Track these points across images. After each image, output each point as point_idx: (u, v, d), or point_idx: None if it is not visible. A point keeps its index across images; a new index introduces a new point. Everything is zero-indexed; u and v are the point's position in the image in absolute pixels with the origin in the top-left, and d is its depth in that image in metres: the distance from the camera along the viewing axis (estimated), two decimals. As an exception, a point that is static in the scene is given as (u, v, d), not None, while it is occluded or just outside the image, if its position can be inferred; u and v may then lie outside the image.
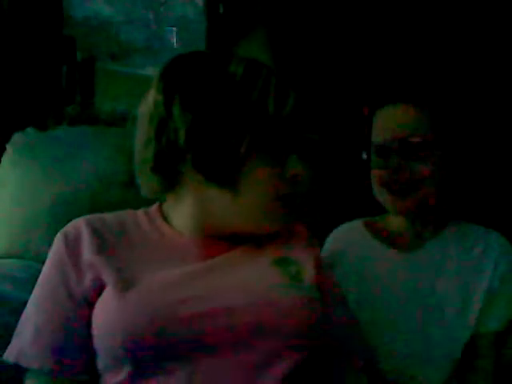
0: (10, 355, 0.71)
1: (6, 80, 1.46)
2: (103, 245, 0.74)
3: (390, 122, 1.00)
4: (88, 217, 0.78)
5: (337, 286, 0.85)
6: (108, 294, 0.69)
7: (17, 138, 1.14)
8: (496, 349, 0.95)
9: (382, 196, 1.01)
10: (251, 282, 0.73)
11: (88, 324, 0.70)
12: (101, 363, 0.69)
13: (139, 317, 0.66)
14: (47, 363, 0.69)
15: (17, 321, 0.73)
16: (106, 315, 0.68)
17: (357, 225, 1.10)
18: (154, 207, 0.82)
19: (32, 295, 0.74)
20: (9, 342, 0.72)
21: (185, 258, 0.75)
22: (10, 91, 1.46)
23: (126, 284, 0.69)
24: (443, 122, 1.00)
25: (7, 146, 1.13)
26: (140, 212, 0.82)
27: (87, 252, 0.73)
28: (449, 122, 1.02)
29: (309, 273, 0.78)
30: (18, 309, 0.73)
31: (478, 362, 0.94)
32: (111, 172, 1.08)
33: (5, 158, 1.12)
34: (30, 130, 1.16)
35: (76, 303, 0.71)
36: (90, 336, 0.70)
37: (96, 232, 0.75)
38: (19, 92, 1.48)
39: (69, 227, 0.77)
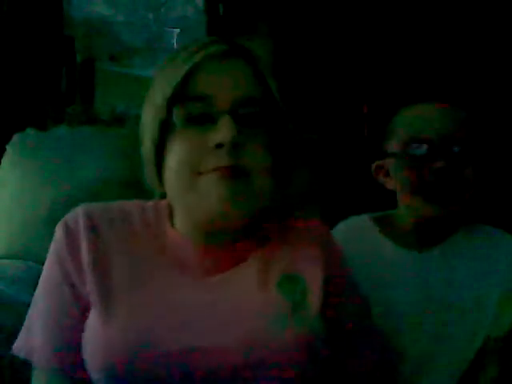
0: (19, 350, 0.70)
1: (6, 81, 1.46)
2: (99, 247, 0.70)
3: (429, 121, 0.92)
4: (89, 207, 0.73)
5: (351, 289, 0.77)
6: (92, 318, 0.67)
7: (17, 138, 1.14)
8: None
9: (413, 203, 0.92)
10: (248, 314, 0.66)
11: None
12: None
13: (118, 350, 0.63)
14: (58, 363, 0.67)
15: (16, 321, 0.73)
16: (89, 338, 0.66)
17: (364, 220, 1.02)
18: (164, 203, 0.75)
19: (38, 288, 0.72)
20: (9, 342, 0.72)
21: (183, 271, 0.70)
22: (9, 92, 1.46)
23: (108, 311, 0.65)
24: (478, 121, 0.95)
25: (7, 147, 1.13)
26: (149, 206, 0.76)
27: (84, 251, 0.69)
28: (483, 123, 0.97)
29: (315, 294, 0.70)
30: (18, 309, 0.73)
31: (485, 367, 0.93)
32: (111, 172, 1.08)
33: (5, 158, 1.12)
34: (29, 130, 1.16)
35: (80, 301, 0.68)
36: None
37: (94, 229, 0.71)
38: (19, 93, 1.48)
39: (69, 217, 0.72)
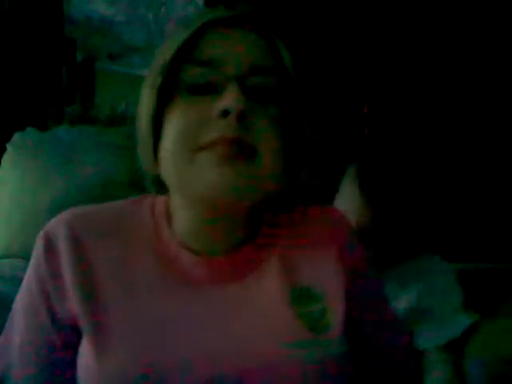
0: None
1: (7, 80, 1.46)
2: (83, 263, 0.60)
3: None
4: (72, 215, 0.64)
5: (373, 297, 0.68)
6: (85, 348, 0.58)
7: (17, 138, 1.14)
8: None
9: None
10: (258, 338, 0.58)
11: (75, 351, 0.60)
12: None
13: (116, 378, 0.55)
14: (31, 382, 0.60)
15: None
16: (84, 367, 0.59)
17: None
18: (162, 202, 0.66)
19: (16, 301, 0.65)
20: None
21: (183, 286, 0.61)
22: (10, 91, 1.46)
23: (102, 345, 0.57)
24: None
25: (7, 146, 1.13)
26: (146, 204, 0.66)
27: (66, 269, 0.60)
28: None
29: (336, 309, 0.61)
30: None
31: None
32: (111, 172, 1.08)
33: (5, 157, 1.12)
34: (30, 130, 1.16)
35: (59, 327, 0.60)
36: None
37: (77, 243, 0.61)
38: (19, 92, 1.48)
39: (50, 228, 0.63)
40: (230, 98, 0.55)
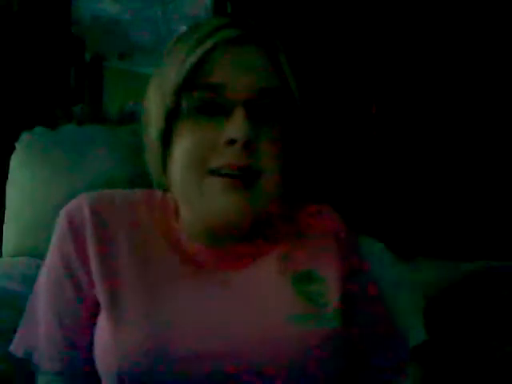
0: (18, 348, 0.67)
1: (15, 80, 1.46)
2: (105, 240, 0.65)
3: None
4: (93, 196, 0.68)
5: (370, 279, 0.73)
6: (102, 321, 0.63)
7: (25, 137, 1.15)
8: None
9: None
10: (267, 314, 0.63)
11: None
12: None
13: (132, 355, 0.59)
14: (61, 365, 0.65)
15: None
16: (101, 342, 0.63)
17: None
18: (170, 197, 0.70)
19: (38, 282, 0.68)
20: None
21: (196, 270, 0.66)
22: (18, 91, 1.47)
23: (119, 316, 0.62)
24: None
25: (16, 145, 1.13)
26: (157, 197, 0.71)
27: (90, 243, 0.65)
28: None
29: (334, 291, 0.66)
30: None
31: None
32: (120, 170, 1.08)
33: (14, 157, 1.12)
34: (38, 129, 1.16)
35: (84, 299, 0.65)
36: None
37: (100, 219, 0.66)
38: (28, 91, 1.48)
39: (73, 206, 0.67)
40: (236, 127, 0.59)
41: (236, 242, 0.67)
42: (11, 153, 1.13)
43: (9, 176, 1.11)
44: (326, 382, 0.64)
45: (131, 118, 1.48)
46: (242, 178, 0.60)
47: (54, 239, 0.67)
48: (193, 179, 0.61)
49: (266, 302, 0.64)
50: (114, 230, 0.66)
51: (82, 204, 0.67)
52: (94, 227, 0.65)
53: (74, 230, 0.66)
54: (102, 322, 0.64)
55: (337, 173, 1.33)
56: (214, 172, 0.61)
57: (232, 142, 0.60)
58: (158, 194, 0.71)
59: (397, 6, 1.61)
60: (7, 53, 1.46)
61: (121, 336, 0.61)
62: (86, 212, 0.66)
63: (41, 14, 1.52)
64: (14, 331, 0.72)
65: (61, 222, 0.67)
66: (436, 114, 1.56)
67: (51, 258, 0.68)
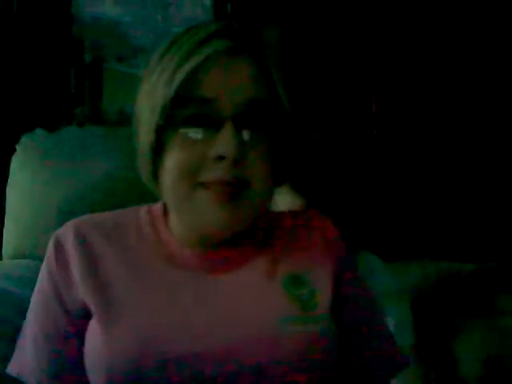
0: (12, 369, 0.68)
1: (15, 82, 1.46)
2: (90, 259, 0.67)
3: None
4: (79, 221, 0.71)
5: (360, 289, 0.75)
6: (93, 327, 0.64)
7: (26, 139, 1.15)
8: None
9: None
10: (257, 316, 0.64)
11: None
12: None
13: (124, 357, 0.60)
14: (46, 381, 0.65)
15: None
16: (92, 349, 0.64)
17: None
18: (158, 206, 0.74)
19: (31, 303, 0.70)
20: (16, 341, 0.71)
21: (184, 274, 0.67)
22: (18, 93, 1.47)
23: (110, 319, 0.63)
24: None
25: (16, 147, 1.13)
26: (143, 211, 0.74)
27: (74, 265, 0.67)
28: None
29: (324, 293, 0.68)
30: (26, 310, 0.73)
31: None
32: (120, 172, 1.08)
33: (14, 159, 1.12)
34: (38, 131, 1.16)
35: (71, 317, 0.66)
36: None
37: (84, 242, 0.68)
38: (28, 93, 1.48)
39: (60, 232, 0.70)
40: (225, 144, 0.60)
41: (226, 246, 0.69)
42: (11, 155, 1.13)
43: (9, 178, 1.11)
44: (319, 382, 0.64)
45: (131, 119, 1.47)
46: (231, 190, 0.62)
47: (44, 261, 0.70)
48: (183, 191, 0.63)
49: (256, 305, 0.65)
50: (101, 250, 0.68)
51: (68, 229, 0.70)
52: (79, 250, 0.68)
53: (60, 254, 0.68)
54: (92, 333, 0.65)
55: (335, 172, 1.32)
56: (203, 185, 0.62)
57: (221, 158, 0.61)
58: (143, 210, 0.74)
59: (397, 5, 1.61)
60: (7, 55, 1.46)
61: (114, 343, 0.62)
62: (71, 236, 0.69)
63: (41, 16, 1.53)
64: (14, 333, 0.73)
65: (49, 247, 0.70)
66: (436, 113, 1.56)
67: (40, 278, 0.70)
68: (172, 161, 0.63)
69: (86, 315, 0.66)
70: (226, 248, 0.69)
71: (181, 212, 0.66)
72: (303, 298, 0.66)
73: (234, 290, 0.66)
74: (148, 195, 0.78)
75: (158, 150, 0.65)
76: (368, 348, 0.73)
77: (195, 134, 0.62)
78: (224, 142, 0.61)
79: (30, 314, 0.70)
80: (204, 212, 0.62)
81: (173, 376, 0.60)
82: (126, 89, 1.59)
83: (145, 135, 0.65)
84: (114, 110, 1.56)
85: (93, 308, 0.65)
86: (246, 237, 0.69)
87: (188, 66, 0.61)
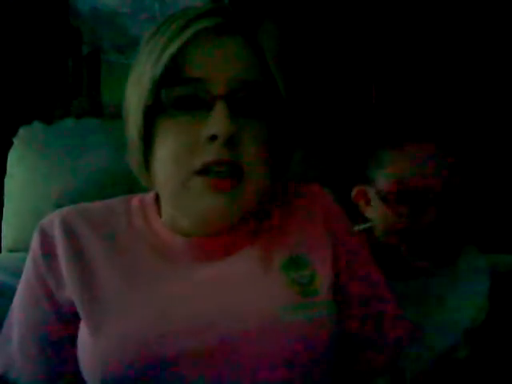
0: None
1: (12, 73, 1.46)
2: (76, 248, 0.64)
3: (420, 167, 0.84)
4: (65, 211, 0.68)
5: (361, 258, 0.72)
6: (82, 329, 0.62)
7: (23, 131, 1.14)
8: None
9: (393, 247, 0.86)
10: (252, 305, 0.60)
11: (75, 333, 0.63)
12: None
13: (115, 358, 0.57)
14: (34, 376, 0.63)
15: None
16: (83, 351, 0.61)
17: None
18: (151, 196, 0.71)
19: (16, 294, 0.68)
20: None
21: (175, 264, 0.64)
22: (15, 85, 1.46)
23: (97, 320, 0.60)
24: (466, 167, 0.88)
25: (14, 140, 1.13)
26: (135, 200, 0.71)
27: (60, 254, 0.64)
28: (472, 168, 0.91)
29: (324, 275, 0.64)
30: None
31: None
32: (118, 164, 1.07)
33: (12, 151, 1.12)
34: (36, 123, 1.16)
35: (60, 312, 0.64)
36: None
37: (70, 231, 0.65)
38: (25, 85, 1.47)
39: (45, 222, 0.67)
40: (218, 122, 0.57)
41: (218, 231, 0.66)
42: (9, 147, 1.13)
43: (7, 171, 1.11)
44: (323, 371, 0.62)
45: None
46: (227, 176, 0.59)
47: (29, 255, 0.67)
48: (178, 180, 0.60)
49: (253, 293, 0.62)
50: (87, 240, 0.65)
51: (53, 220, 0.67)
52: (65, 240, 0.65)
53: (45, 243, 0.65)
54: (81, 330, 0.62)
55: (337, 154, 1.31)
56: (199, 172, 0.59)
57: (214, 137, 0.58)
58: (137, 197, 0.71)
59: (397, 4, 1.60)
60: (4, 45, 1.45)
61: (99, 337, 0.59)
62: (56, 226, 0.66)
63: (38, 7, 1.51)
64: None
65: (34, 238, 0.67)
66: (436, 108, 1.56)
67: (26, 273, 0.68)
68: (164, 149, 0.60)
69: (72, 304, 0.63)
70: (219, 235, 0.66)
71: (176, 200, 0.62)
72: (303, 282, 0.63)
73: (229, 279, 0.63)
74: (146, 187, 0.77)
75: (147, 140, 0.62)
76: (374, 316, 0.71)
77: (186, 116, 0.59)
78: (216, 121, 0.57)
79: (15, 311, 0.67)
80: (200, 200, 0.60)
81: (166, 372, 0.57)
82: (124, 80, 1.58)
83: (133, 122, 0.62)
84: (113, 102, 1.56)
85: (79, 307, 0.62)
86: (239, 222, 0.66)
87: (176, 43, 0.58)
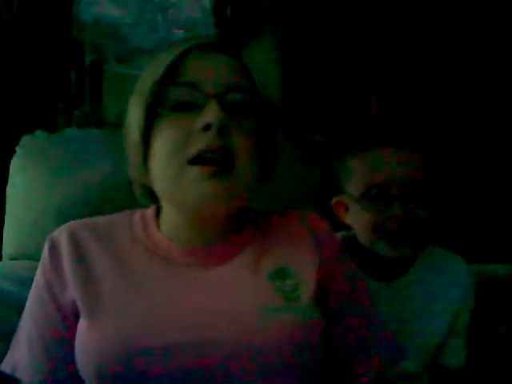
0: (6, 366, 0.71)
1: (15, 83, 1.47)
2: (83, 261, 0.71)
3: (385, 166, 0.91)
4: (74, 224, 0.75)
5: (349, 281, 0.77)
6: (81, 323, 0.67)
7: (26, 140, 1.15)
8: None
9: (374, 244, 0.92)
10: (240, 306, 0.66)
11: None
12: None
13: (109, 350, 0.63)
14: (39, 376, 0.68)
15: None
16: (80, 344, 0.66)
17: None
18: (151, 210, 0.77)
19: (27, 303, 0.73)
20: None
21: (172, 271, 0.70)
22: (19, 94, 1.47)
23: (95, 313, 0.66)
24: (434, 163, 0.95)
25: (16, 149, 1.13)
26: (138, 214, 0.77)
27: (67, 266, 0.70)
28: (439, 164, 0.99)
29: (308, 285, 0.70)
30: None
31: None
32: (120, 174, 1.07)
33: (14, 160, 1.13)
34: (39, 132, 1.17)
35: (63, 315, 0.69)
36: None
37: (77, 245, 0.72)
38: (28, 95, 1.49)
39: (54, 234, 0.74)
40: (210, 114, 0.64)
41: (214, 242, 0.72)
42: (11, 156, 1.13)
43: (9, 179, 1.12)
44: (307, 372, 0.66)
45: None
46: (219, 163, 0.64)
47: (40, 262, 0.73)
48: (173, 170, 0.65)
49: (240, 296, 0.67)
50: (93, 252, 0.71)
51: (61, 232, 0.74)
52: (71, 251, 0.71)
53: (54, 256, 0.71)
54: (80, 329, 0.67)
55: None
56: (192, 161, 0.64)
57: (207, 127, 0.64)
58: (138, 212, 0.77)
59: (397, 5, 1.61)
60: (7, 56, 1.46)
61: (98, 334, 0.64)
62: (64, 238, 0.72)
63: (41, 18, 1.53)
64: (13, 333, 0.73)
65: (44, 249, 0.73)
66: (437, 116, 1.57)
67: (36, 281, 0.73)
68: (160, 142, 0.66)
69: (74, 303, 0.69)
70: (215, 244, 0.71)
71: (171, 192, 0.67)
72: (287, 289, 0.69)
73: (221, 284, 0.69)
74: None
75: (147, 142, 0.68)
76: (352, 334, 0.75)
77: (182, 116, 0.66)
78: (209, 112, 0.64)
79: (25, 313, 0.73)
80: (193, 187, 0.64)
81: (159, 367, 0.62)
82: (125, 90, 1.59)
83: (135, 123, 0.69)
84: (114, 112, 1.57)
85: (80, 304, 0.67)
86: (234, 232, 0.73)
87: (173, 54, 0.68)
